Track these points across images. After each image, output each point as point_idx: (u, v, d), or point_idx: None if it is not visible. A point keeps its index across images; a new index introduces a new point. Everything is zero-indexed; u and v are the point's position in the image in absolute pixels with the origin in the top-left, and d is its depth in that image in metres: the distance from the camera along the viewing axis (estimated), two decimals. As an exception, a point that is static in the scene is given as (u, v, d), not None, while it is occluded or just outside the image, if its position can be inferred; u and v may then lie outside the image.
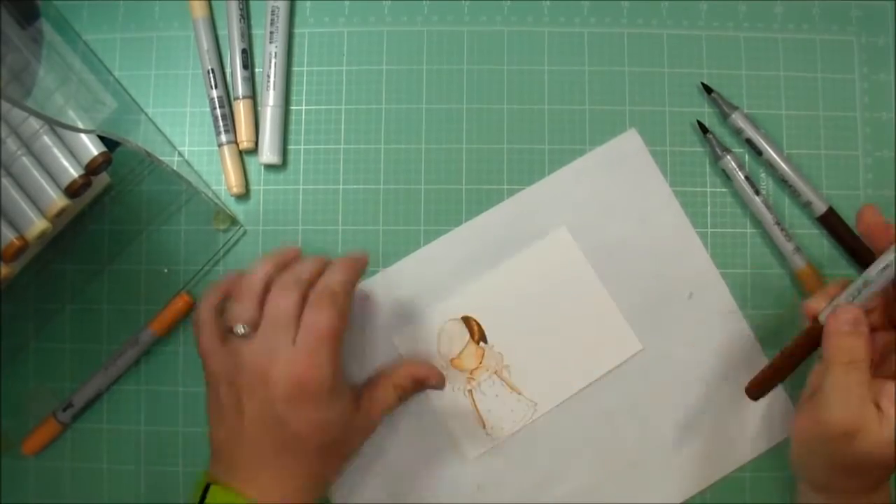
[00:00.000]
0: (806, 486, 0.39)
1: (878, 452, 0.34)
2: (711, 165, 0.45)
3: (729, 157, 0.44)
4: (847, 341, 0.35)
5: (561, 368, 0.44)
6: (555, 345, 0.44)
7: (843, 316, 0.35)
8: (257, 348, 0.38)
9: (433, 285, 0.44)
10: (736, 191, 0.45)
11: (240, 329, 0.38)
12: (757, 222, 0.45)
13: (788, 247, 0.44)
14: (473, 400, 0.44)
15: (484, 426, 0.44)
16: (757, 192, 0.44)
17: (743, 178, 0.44)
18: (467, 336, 0.44)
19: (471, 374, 0.44)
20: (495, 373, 0.44)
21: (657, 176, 0.45)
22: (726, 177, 0.45)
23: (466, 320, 0.44)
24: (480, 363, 0.44)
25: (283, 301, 0.38)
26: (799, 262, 0.44)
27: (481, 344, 0.44)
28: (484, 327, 0.44)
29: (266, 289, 0.39)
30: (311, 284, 0.39)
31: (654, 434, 0.44)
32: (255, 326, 0.38)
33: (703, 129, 0.45)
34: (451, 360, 0.44)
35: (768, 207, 0.44)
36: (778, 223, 0.44)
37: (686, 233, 0.45)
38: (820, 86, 0.46)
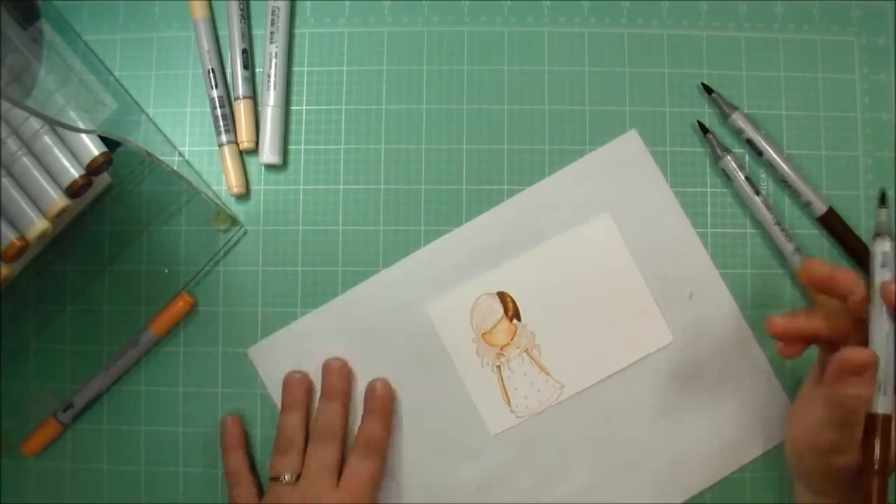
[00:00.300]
0: (802, 487, 0.40)
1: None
2: (712, 166, 0.45)
3: (729, 157, 0.44)
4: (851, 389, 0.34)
5: (591, 353, 0.44)
6: (587, 329, 0.44)
7: (853, 360, 0.34)
8: (301, 495, 0.41)
9: (434, 282, 0.45)
10: (736, 191, 0.45)
11: (286, 477, 0.41)
12: (757, 222, 0.45)
13: (788, 247, 0.44)
14: (501, 376, 0.44)
15: (509, 403, 0.44)
16: (757, 193, 0.44)
17: (743, 178, 0.44)
18: (501, 311, 0.44)
19: (501, 349, 0.44)
20: (525, 351, 0.44)
21: (657, 176, 0.45)
22: (726, 177, 0.45)
23: (502, 296, 0.44)
24: (511, 340, 0.44)
25: (324, 453, 0.42)
26: (799, 263, 0.44)
27: (514, 321, 0.44)
28: (519, 305, 0.44)
29: (303, 437, 0.43)
30: (343, 430, 0.43)
31: (653, 434, 0.44)
32: (297, 475, 0.42)
33: (704, 130, 0.45)
34: (483, 334, 0.44)
35: (768, 207, 0.44)
36: (778, 223, 0.44)
37: (686, 233, 0.45)
38: (820, 86, 0.46)
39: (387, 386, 0.44)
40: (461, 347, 0.44)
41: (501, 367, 0.44)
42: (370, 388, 0.44)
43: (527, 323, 0.44)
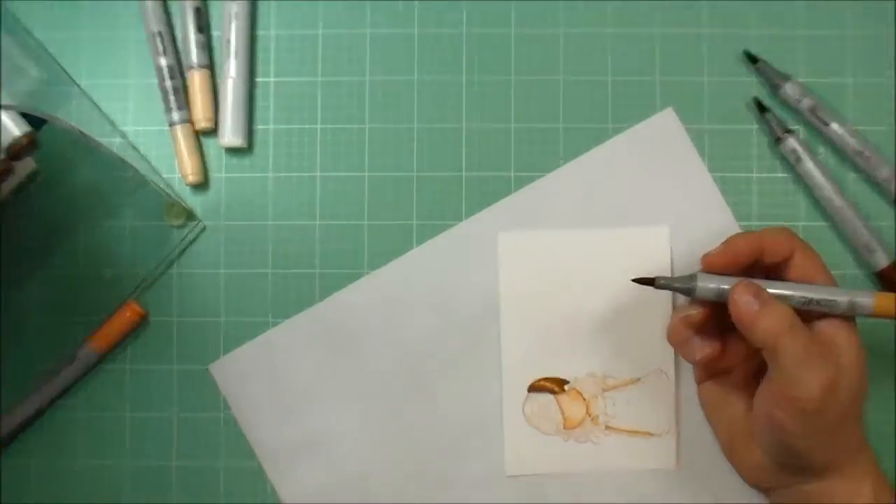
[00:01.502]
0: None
1: (856, 386, 0.35)
2: (758, 147, 0.42)
3: (792, 139, 0.41)
4: (776, 312, 0.35)
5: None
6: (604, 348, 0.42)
7: (746, 296, 0.35)
8: None
9: (431, 286, 0.43)
10: (800, 176, 0.41)
11: None
12: (810, 215, 0.42)
13: (870, 240, 0.41)
14: (606, 434, 0.42)
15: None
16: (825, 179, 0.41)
17: (811, 161, 0.41)
18: (552, 397, 0.42)
19: (592, 419, 0.42)
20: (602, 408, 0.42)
21: (697, 163, 0.43)
22: (784, 161, 0.42)
23: (532, 388, 0.42)
24: (585, 400, 0.42)
25: None
26: (881, 260, 0.40)
27: (566, 388, 0.42)
28: (551, 376, 0.42)
29: None
30: None
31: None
32: None
33: (761, 108, 0.42)
34: (566, 429, 0.42)
35: (841, 194, 0.41)
36: (856, 212, 0.41)
37: (729, 228, 0.42)
38: (893, 47, 0.42)
39: None
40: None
41: (605, 427, 0.42)
42: None
43: (573, 380, 0.42)
